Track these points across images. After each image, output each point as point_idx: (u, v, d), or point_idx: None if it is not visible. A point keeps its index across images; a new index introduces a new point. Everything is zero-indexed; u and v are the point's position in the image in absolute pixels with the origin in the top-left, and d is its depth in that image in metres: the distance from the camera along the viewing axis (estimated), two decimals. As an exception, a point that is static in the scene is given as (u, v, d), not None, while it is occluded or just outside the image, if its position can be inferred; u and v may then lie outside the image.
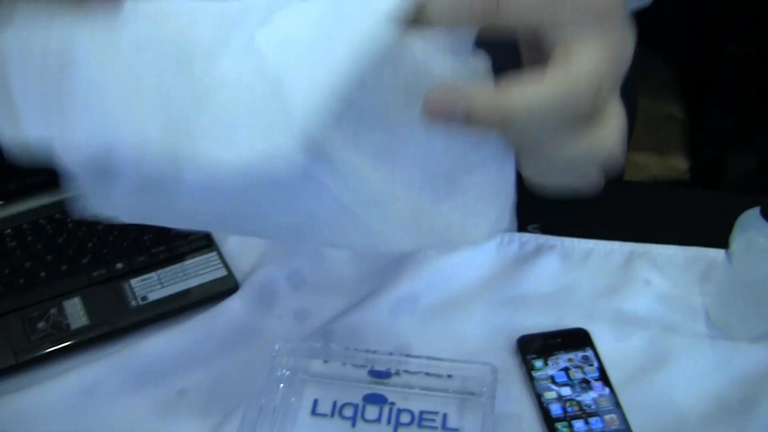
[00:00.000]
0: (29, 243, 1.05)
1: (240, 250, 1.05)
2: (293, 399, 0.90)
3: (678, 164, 1.80)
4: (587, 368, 0.91)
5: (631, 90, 1.25)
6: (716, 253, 1.00)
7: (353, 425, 0.88)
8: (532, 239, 1.04)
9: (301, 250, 1.04)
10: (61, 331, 0.96)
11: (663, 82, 1.92)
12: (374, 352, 0.91)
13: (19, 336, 0.96)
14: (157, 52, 0.52)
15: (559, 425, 0.86)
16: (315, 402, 0.90)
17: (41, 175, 1.10)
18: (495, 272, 1.01)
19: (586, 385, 0.90)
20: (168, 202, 0.57)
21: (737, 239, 0.90)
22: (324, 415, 0.89)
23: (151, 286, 1.00)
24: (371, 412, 0.89)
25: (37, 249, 1.05)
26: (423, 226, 0.60)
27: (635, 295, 0.99)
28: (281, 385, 0.90)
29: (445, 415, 0.88)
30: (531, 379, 0.90)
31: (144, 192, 0.55)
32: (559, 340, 0.93)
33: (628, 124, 1.17)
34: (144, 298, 0.99)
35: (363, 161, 0.55)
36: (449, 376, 0.90)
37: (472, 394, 0.89)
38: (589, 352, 0.92)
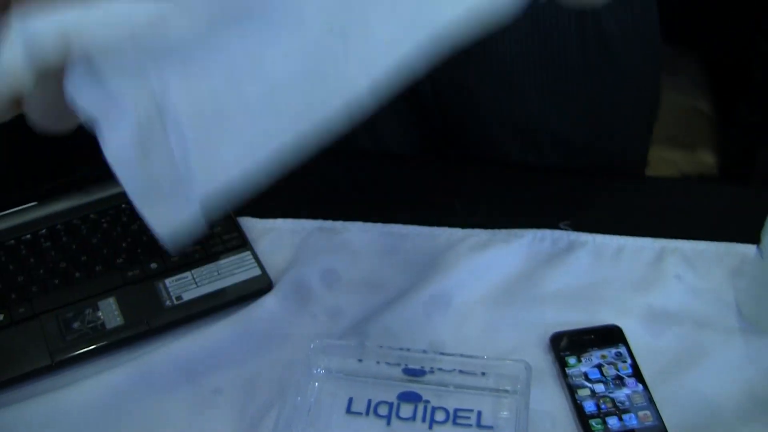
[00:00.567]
0: (64, 243, 1.06)
1: (274, 248, 1.06)
2: (328, 397, 0.90)
3: (706, 159, 1.80)
4: (620, 365, 0.91)
5: (655, 84, 1.25)
6: (747, 249, 1.00)
7: (388, 423, 0.88)
8: (564, 236, 1.05)
9: (334, 249, 1.05)
10: (96, 331, 0.97)
11: (692, 78, 1.91)
12: (408, 350, 0.91)
13: (54, 336, 0.97)
14: None
15: (593, 422, 0.86)
16: (350, 400, 0.90)
17: (75, 175, 1.11)
18: (527, 269, 1.02)
19: (619, 381, 0.90)
20: None
21: (768, 234, 0.90)
22: (359, 414, 0.89)
23: (185, 286, 1.01)
24: (406, 410, 0.89)
25: (72, 249, 1.05)
26: None
27: (667, 290, 0.99)
28: (316, 383, 0.91)
29: (479, 413, 0.88)
30: (564, 376, 0.90)
31: None
32: (592, 336, 0.94)
33: (649, 117, 1.18)
34: (179, 298, 1.00)
35: None
36: (483, 373, 0.90)
37: (506, 391, 0.89)
38: (622, 349, 0.92)
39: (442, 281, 1.00)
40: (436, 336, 0.96)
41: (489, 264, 1.02)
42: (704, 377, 0.91)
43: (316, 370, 0.92)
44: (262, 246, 1.06)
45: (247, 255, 1.04)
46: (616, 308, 0.97)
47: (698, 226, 1.05)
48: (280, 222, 1.09)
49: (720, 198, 1.13)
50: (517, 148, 1.21)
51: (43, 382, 0.95)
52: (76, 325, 0.98)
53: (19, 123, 1.06)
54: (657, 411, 0.87)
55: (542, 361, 0.93)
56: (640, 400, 0.88)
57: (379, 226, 1.08)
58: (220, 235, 1.05)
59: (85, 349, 0.96)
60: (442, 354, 0.91)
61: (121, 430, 0.90)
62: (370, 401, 0.90)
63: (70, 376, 0.95)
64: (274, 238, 1.07)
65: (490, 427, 0.87)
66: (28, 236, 1.07)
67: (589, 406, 0.88)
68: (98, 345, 0.96)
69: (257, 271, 1.02)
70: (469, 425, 0.87)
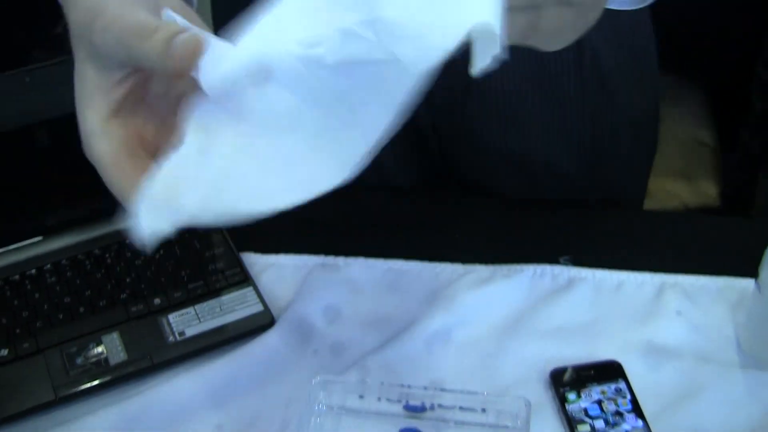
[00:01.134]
0: (69, 278, 1.07)
1: (276, 284, 1.06)
2: (329, 433, 0.91)
3: (709, 190, 1.80)
4: (620, 400, 0.91)
5: (653, 117, 1.26)
6: (747, 283, 1.00)
7: (389, 459, 0.89)
8: (564, 271, 1.05)
9: (336, 285, 1.05)
10: (99, 366, 0.98)
11: (694, 109, 1.92)
12: (409, 386, 0.92)
13: (58, 371, 0.97)
14: None
15: (593, 458, 0.87)
16: (351, 436, 0.91)
17: (79, 211, 1.11)
18: (528, 305, 1.02)
19: (619, 417, 0.90)
20: None
21: (766, 268, 0.90)
22: (360, 450, 0.90)
23: (188, 321, 1.01)
24: (407, 446, 0.90)
25: (76, 284, 1.06)
26: None
27: (667, 325, 0.99)
28: (318, 419, 0.91)
29: (479, 449, 0.89)
30: (564, 412, 0.91)
31: None
32: (592, 372, 0.94)
33: (649, 150, 1.19)
34: (181, 333, 1.00)
35: None
36: (483, 410, 0.90)
37: (507, 427, 0.90)
38: (621, 384, 0.93)
39: (444, 317, 1.00)
40: (437, 372, 0.96)
41: (490, 300, 1.02)
42: (704, 412, 0.91)
43: (318, 406, 0.92)
44: (264, 281, 1.06)
45: (249, 291, 1.04)
46: (616, 343, 0.97)
47: (698, 259, 1.06)
48: (282, 258, 1.09)
49: (720, 230, 1.13)
50: (517, 183, 1.21)
51: (46, 417, 0.95)
52: (79, 360, 0.98)
53: (24, 159, 1.07)
54: (657, 447, 0.87)
55: (542, 396, 0.93)
56: (639, 436, 0.89)
57: (380, 262, 1.08)
58: (223, 270, 1.06)
59: (89, 385, 0.96)
60: (443, 390, 0.92)
61: (125, 466, 0.91)
62: (371, 437, 0.91)
63: (74, 411, 0.96)
64: (276, 273, 1.08)
65: (491, 464, 0.88)
66: (33, 271, 1.08)
67: (589, 442, 0.88)
68: (102, 380, 0.97)
69: (259, 307, 1.02)
70: (470, 461, 0.88)
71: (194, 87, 0.67)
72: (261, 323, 1.01)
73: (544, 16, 0.64)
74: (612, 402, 0.91)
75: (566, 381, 0.93)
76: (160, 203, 0.66)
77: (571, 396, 0.92)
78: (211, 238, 1.09)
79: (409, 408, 0.91)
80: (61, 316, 1.03)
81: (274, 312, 1.02)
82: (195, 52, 0.64)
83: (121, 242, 1.10)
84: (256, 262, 1.09)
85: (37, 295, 1.05)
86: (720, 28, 1.86)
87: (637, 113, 1.21)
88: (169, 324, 1.01)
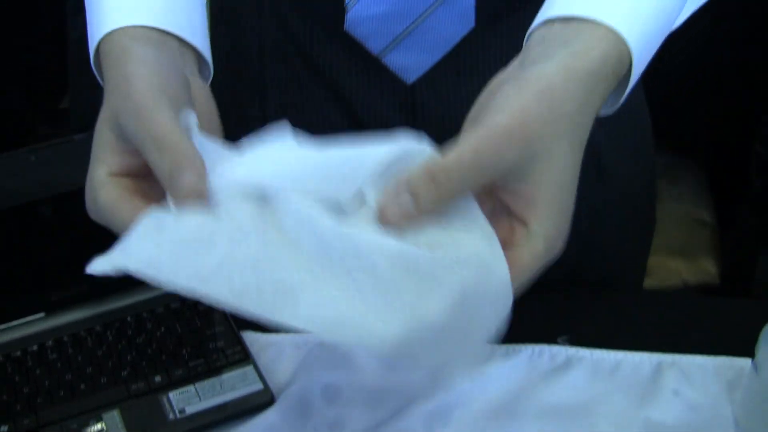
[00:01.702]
0: (70, 355, 1.07)
1: (276, 362, 1.06)
2: None
3: (708, 268, 1.81)
4: (618, 480, 0.92)
5: (650, 197, 1.27)
6: (744, 362, 1.01)
7: None
8: (562, 351, 1.06)
9: (336, 363, 1.06)
10: (100, 444, 0.98)
11: (693, 187, 1.93)
12: (408, 465, 0.92)
13: (58, 449, 0.98)
14: None
15: None
16: None
17: (82, 287, 1.12)
18: (526, 385, 1.02)
19: (616, 498, 0.90)
20: None
21: (762, 348, 0.91)
22: None
23: (188, 399, 1.02)
24: None
25: (77, 361, 1.07)
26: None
27: (664, 405, 1.00)
28: (316, 498, 0.92)
29: None
30: (562, 493, 0.91)
31: None
32: (590, 452, 0.94)
33: (645, 229, 1.21)
34: (182, 411, 1.00)
35: None
36: (482, 489, 0.91)
37: (504, 508, 0.90)
38: (619, 465, 0.93)
39: (443, 396, 1.01)
40: (435, 450, 0.96)
41: (489, 379, 1.02)
42: (702, 493, 0.91)
43: (317, 485, 0.92)
44: (264, 359, 1.07)
45: (249, 369, 1.04)
46: (614, 423, 0.97)
47: (696, 338, 1.06)
48: (282, 336, 1.10)
49: (716, 311, 1.14)
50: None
51: (45, 495, 0.96)
52: (80, 437, 0.99)
53: (27, 235, 1.08)
54: None
55: (541, 477, 0.94)
56: None
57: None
58: (223, 349, 1.07)
59: (89, 463, 0.97)
60: (442, 470, 0.92)
61: None
62: None
63: (73, 489, 0.96)
64: (276, 351, 1.08)
65: None
66: (35, 347, 1.08)
67: None
68: (102, 458, 0.97)
69: (259, 386, 1.03)
70: None
71: None
72: (261, 401, 1.01)
73: None
74: (610, 482, 0.92)
75: (564, 461, 0.94)
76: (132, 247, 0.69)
77: (569, 476, 0.92)
78: (212, 316, 1.10)
79: (407, 487, 0.92)
80: (61, 393, 1.03)
81: (274, 390, 1.03)
82: (193, 197, 0.69)
83: (123, 319, 1.10)
84: (256, 340, 1.09)
85: (38, 372, 1.05)
86: (718, 106, 1.88)
87: (633, 192, 1.22)
88: (170, 402, 1.02)
